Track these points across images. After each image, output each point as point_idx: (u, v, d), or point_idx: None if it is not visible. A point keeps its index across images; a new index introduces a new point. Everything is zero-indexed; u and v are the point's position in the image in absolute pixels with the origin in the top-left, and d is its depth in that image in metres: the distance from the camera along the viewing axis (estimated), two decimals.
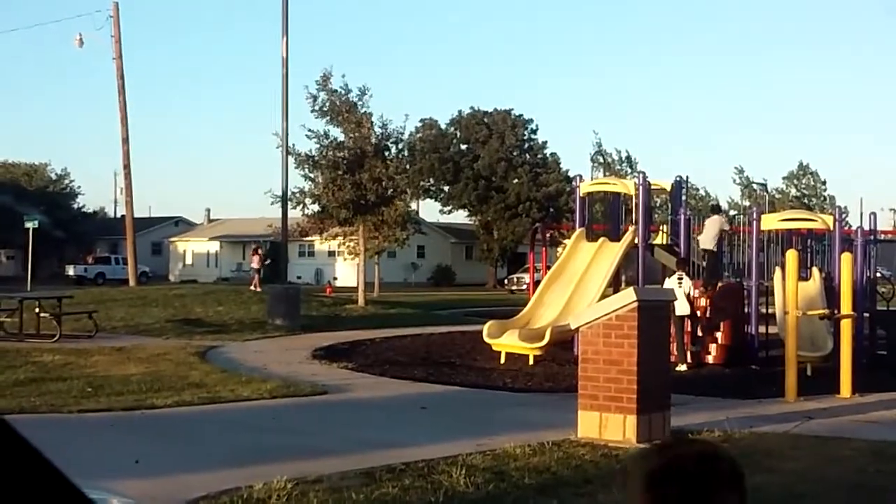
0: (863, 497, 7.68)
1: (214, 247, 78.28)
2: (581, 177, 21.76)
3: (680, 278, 17.63)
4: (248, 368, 15.96)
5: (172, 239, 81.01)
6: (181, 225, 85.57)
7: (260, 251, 39.13)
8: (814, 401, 13.25)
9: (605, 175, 53.52)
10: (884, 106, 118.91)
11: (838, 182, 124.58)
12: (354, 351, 19.62)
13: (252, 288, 33.65)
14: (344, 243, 36.85)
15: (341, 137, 33.47)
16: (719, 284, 19.34)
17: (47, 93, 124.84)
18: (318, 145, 33.21)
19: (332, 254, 60.41)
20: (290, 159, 31.63)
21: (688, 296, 17.47)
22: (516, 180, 67.50)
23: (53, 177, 76.47)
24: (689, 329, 17.73)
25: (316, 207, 34.06)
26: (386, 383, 14.92)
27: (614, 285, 19.47)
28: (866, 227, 20.30)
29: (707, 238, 19.44)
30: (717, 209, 22.47)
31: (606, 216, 23.22)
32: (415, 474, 8.03)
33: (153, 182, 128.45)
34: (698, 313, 18.11)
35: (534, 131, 71.90)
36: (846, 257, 15.08)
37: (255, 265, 37.90)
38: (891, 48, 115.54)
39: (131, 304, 27.90)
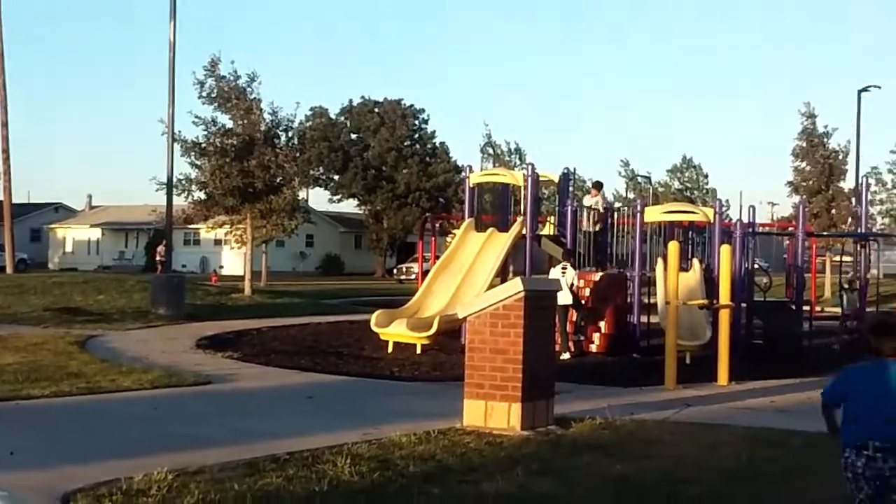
0: (738, 482, 7.91)
1: (96, 234, 76.36)
2: (470, 167, 21.87)
3: (564, 269, 17.91)
4: (129, 358, 15.61)
5: (52, 225, 78.72)
6: (62, 211, 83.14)
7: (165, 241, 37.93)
8: (692, 388, 13.60)
9: (494, 166, 53.89)
10: (764, 103, 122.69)
11: (720, 176, 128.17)
12: (240, 340, 19.38)
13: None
14: (231, 231, 36.24)
15: (229, 124, 32.99)
16: (601, 273, 19.61)
17: None
18: (205, 132, 32.70)
19: (218, 242, 59.44)
20: (177, 146, 31.07)
21: (571, 286, 17.76)
22: (406, 170, 67.55)
23: None
24: (572, 319, 18.02)
25: (202, 195, 33.50)
26: (271, 373, 14.78)
27: (502, 275, 19.63)
28: (745, 220, 20.89)
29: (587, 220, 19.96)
30: (597, 185, 22.68)
31: (495, 207, 23.40)
32: (299, 464, 7.97)
33: (32, 167, 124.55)
34: (582, 303, 18.40)
35: (424, 121, 72.10)
36: (725, 249, 15.50)
37: (159, 257, 36.95)
38: (769, 47, 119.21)
39: (8, 291, 27.03)
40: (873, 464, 5.28)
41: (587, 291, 18.78)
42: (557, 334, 16.35)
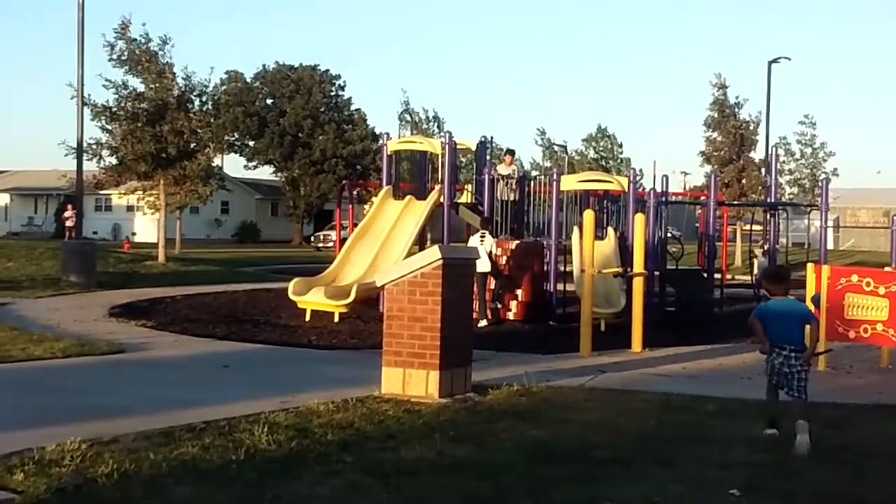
0: (651, 446, 8.07)
1: (4, 199, 74.47)
2: (388, 135, 21.80)
3: (482, 236, 18.02)
4: (40, 327, 15.29)
5: None
6: None
7: (72, 206, 37.02)
8: (607, 355, 13.81)
9: (412, 134, 53.81)
10: (678, 74, 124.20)
11: (634, 145, 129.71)
12: (154, 309, 19.10)
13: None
14: (143, 198, 35.67)
15: (141, 88, 32.36)
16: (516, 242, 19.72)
17: None
18: (116, 96, 32.02)
19: (130, 208, 58.48)
20: (87, 110, 30.37)
21: (490, 253, 17.87)
22: (323, 137, 67.04)
23: None
24: (490, 286, 18.14)
25: (113, 160, 32.85)
26: (187, 341, 14.61)
27: (420, 243, 19.66)
28: (659, 190, 21.20)
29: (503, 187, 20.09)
30: (510, 152, 22.72)
31: (413, 174, 23.38)
32: (215, 433, 7.91)
33: None
34: (500, 271, 18.53)
35: (341, 87, 71.57)
36: (639, 218, 15.71)
37: (68, 222, 35.98)
38: (680, 19, 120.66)
39: None
40: (778, 359, 8.47)
41: (504, 259, 18.91)
42: (476, 302, 16.56)
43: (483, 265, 17.07)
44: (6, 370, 11.35)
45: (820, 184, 27.57)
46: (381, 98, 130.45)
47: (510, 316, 18.68)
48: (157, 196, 34.03)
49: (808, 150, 50.52)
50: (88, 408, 9.06)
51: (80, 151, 26.50)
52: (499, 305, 18.48)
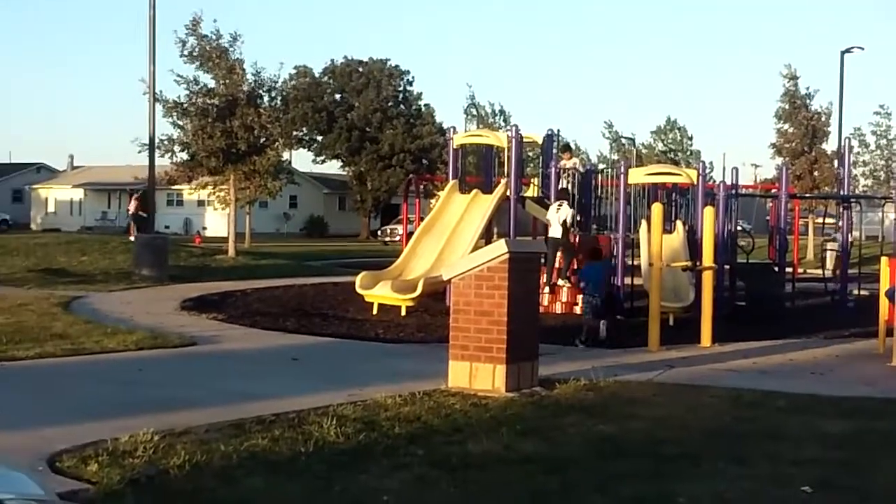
0: (720, 442, 7.99)
1: (78, 195, 75.85)
2: (455, 129, 21.80)
3: (559, 205, 18.38)
4: (113, 319, 15.59)
5: (34, 186, 78.11)
6: (43, 171, 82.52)
7: (137, 198, 37.27)
8: (676, 350, 13.68)
9: (478, 128, 53.76)
10: (748, 65, 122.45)
11: (704, 137, 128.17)
12: (224, 302, 19.36)
13: (130, 237, 32.14)
14: (214, 193, 36.12)
15: (212, 84, 32.77)
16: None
17: None
18: (187, 92, 32.46)
19: (201, 203, 59.20)
20: (158, 106, 30.88)
21: (564, 223, 18.03)
22: (391, 131, 67.24)
23: None
24: (561, 261, 18.41)
25: (185, 155, 33.32)
26: (256, 334, 14.78)
27: (486, 237, 19.64)
28: (728, 182, 20.92)
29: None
30: (567, 147, 22.50)
31: (479, 168, 23.35)
32: (285, 425, 8.00)
33: (13, 127, 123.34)
34: (571, 245, 18.58)
35: (409, 83, 71.64)
36: (709, 211, 15.52)
37: (132, 210, 36.09)
38: (750, 10, 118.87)
39: None
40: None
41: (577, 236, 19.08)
42: (554, 273, 18.23)
43: (554, 231, 18.07)
44: (81, 362, 11.59)
45: (895, 175, 26.93)
46: (447, 92, 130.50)
47: (577, 310, 18.56)
48: (228, 191, 34.44)
49: (883, 142, 49.49)
50: (161, 400, 9.22)
51: (152, 147, 26.95)
52: (564, 283, 18.58)
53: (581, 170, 21.01)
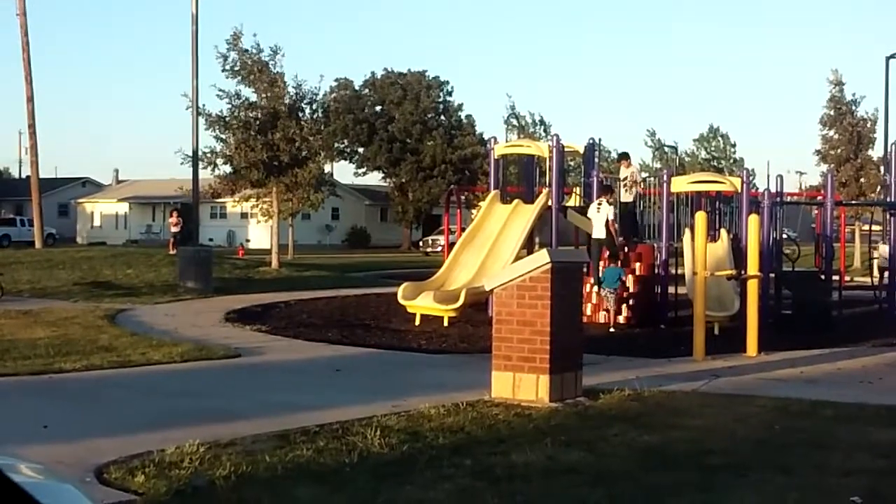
0: (768, 452, 7.89)
1: (123, 208, 76.76)
2: (495, 139, 21.79)
3: (600, 204, 18.32)
4: (158, 332, 15.73)
5: (80, 200, 79.21)
6: (88, 186, 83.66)
7: (177, 213, 38.04)
8: (721, 359, 13.55)
9: (519, 138, 53.68)
10: (792, 71, 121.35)
11: (747, 145, 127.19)
12: (268, 313, 19.46)
13: (170, 251, 32.77)
14: (257, 205, 36.36)
15: (253, 97, 33.01)
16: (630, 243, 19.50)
17: None
18: (229, 105, 32.73)
19: (244, 216, 59.67)
20: (201, 120, 31.16)
21: (607, 222, 17.94)
22: (431, 142, 67.37)
23: None
24: (605, 257, 18.25)
25: (228, 168, 33.57)
26: (300, 346, 14.85)
27: (528, 247, 19.60)
28: (773, 190, 20.73)
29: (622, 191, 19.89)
30: (625, 156, 22.30)
31: (520, 178, 23.32)
32: (329, 436, 8.02)
33: (59, 141, 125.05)
34: (615, 244, 18.44)
35: (449, 93, 71.79)
36: (753, 219, 15.38)
37: (173, 228, 36.87)
38: (794, 17, 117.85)
39: (38, 266, 27.27)
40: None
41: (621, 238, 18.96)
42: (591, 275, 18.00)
43: (598, 232, 17.96)
44: (127, 374, 11.70)
45: None
46: (487, 103, 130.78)
47: (621, 320, 18.48)
48: (270, 203, 34.65)
49: None
50: (206, 411, 9.28)
51: (195, 160, 27.17)
52: (605, 292, 18.48)
53: (639, 179, 20.85)
